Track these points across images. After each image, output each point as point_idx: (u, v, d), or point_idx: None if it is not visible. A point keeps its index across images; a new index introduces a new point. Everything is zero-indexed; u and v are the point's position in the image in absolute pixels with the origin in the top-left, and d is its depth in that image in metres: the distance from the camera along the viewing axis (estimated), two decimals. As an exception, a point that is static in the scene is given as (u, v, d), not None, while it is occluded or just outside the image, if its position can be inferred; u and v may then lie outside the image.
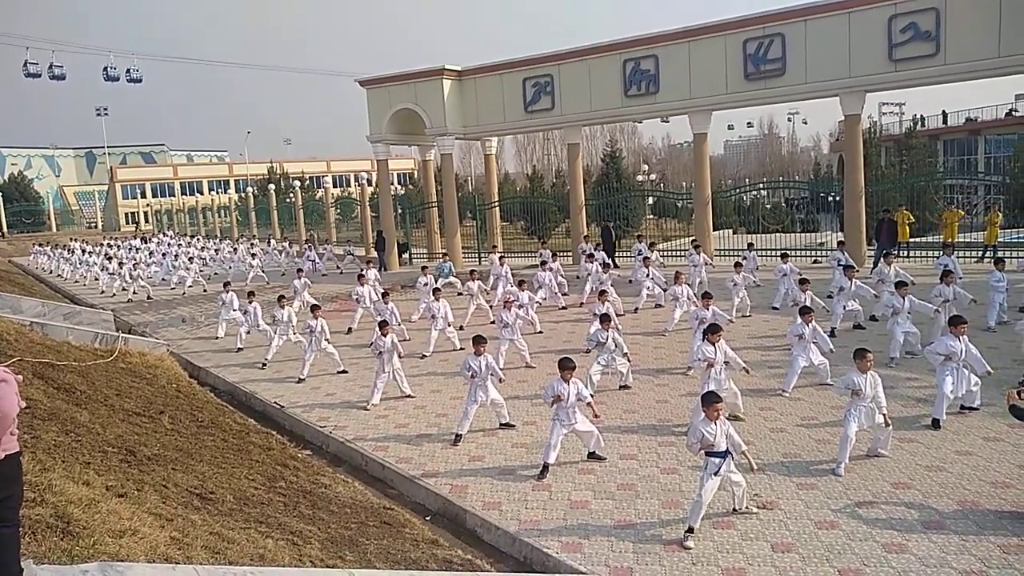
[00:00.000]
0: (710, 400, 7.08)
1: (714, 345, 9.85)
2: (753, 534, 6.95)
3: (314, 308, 14.72)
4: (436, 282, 19.67)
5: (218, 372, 15.17)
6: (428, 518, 8.29)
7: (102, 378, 11.70)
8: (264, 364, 15.24)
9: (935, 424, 9.38)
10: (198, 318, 21.76)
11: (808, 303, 13.25)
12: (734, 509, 7.36)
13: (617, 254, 27.84)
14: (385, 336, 12.01)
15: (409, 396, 12.27)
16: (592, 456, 9.03)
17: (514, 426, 10.44)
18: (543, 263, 20.93)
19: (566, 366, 8.69)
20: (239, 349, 16.93)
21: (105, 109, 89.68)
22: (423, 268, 21.03)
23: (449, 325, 15.55)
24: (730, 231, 36.42)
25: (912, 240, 25.20)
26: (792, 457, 8.74)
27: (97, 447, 7.79)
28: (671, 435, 9.75)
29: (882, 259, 16.34)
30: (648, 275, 18.79)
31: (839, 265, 18.89)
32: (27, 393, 8.62)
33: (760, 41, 23.19)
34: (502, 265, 21.24)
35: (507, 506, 7.99)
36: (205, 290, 27.01)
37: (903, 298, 12.38)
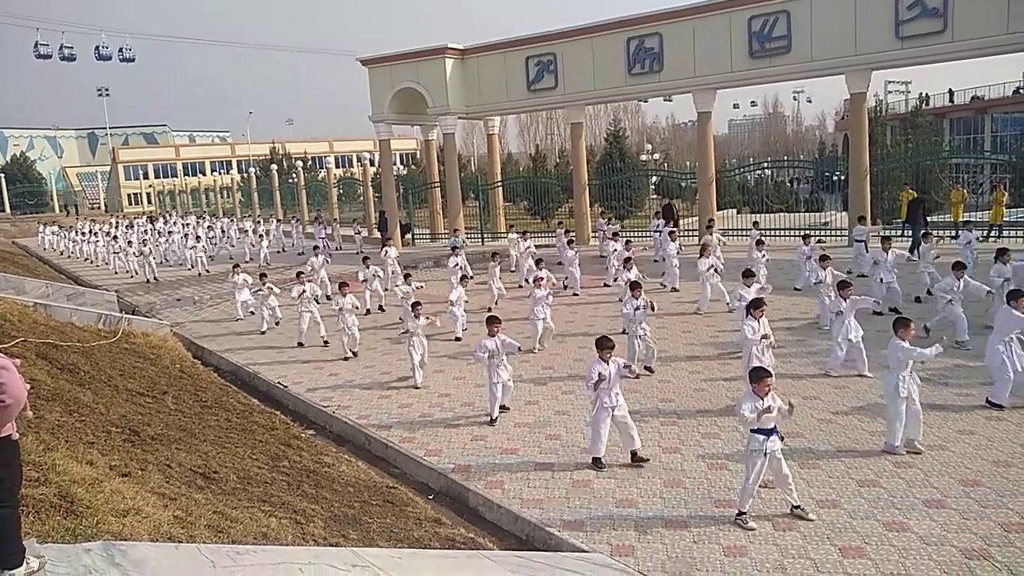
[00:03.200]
0: (759, 375, 6.85)
1: (758, 320, 9.84)
2: (755, 513, 6.95)
3: (342, 286, 14.39)
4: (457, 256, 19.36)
5: (222, 352, 15.20)
6: (431, 497, 8.33)
7: (105, 359, 11.73)
8: (300, 344, 15.20)
9: (995, 406, 9.13)
10: (204, 299, 21.79)
11: (830, 280, 12.95)
12: (791, 510, 6.92)
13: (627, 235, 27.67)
14: (418, 318, 11.96)
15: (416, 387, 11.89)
16: (635, 459, 8.31)
17: (508, 408, 10.31)
18: (570, 243, 20.61)
19: (605, 345, 8.31)
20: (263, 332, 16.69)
21: (107, 89, 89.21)
22: (453, 248, 20.57)
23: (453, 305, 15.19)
24: (734, 211, 36.30)
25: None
26: (794, 436, 8.73)
27: (100, 427, 7.82)
28: (673, 415, 9.76)
29: (923, 240, 15.95)
30: (677, 251, 18.66)
31: (857, 241, 18.75)
32: (31, 374, 8.65)
33: (765, 18, 22.96)
34: (525, 241, 21.07)
35: (509, 485, 8.02)
36: (208, 271, 26.93)
37: (959, 280, 11.97)
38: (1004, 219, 22.57)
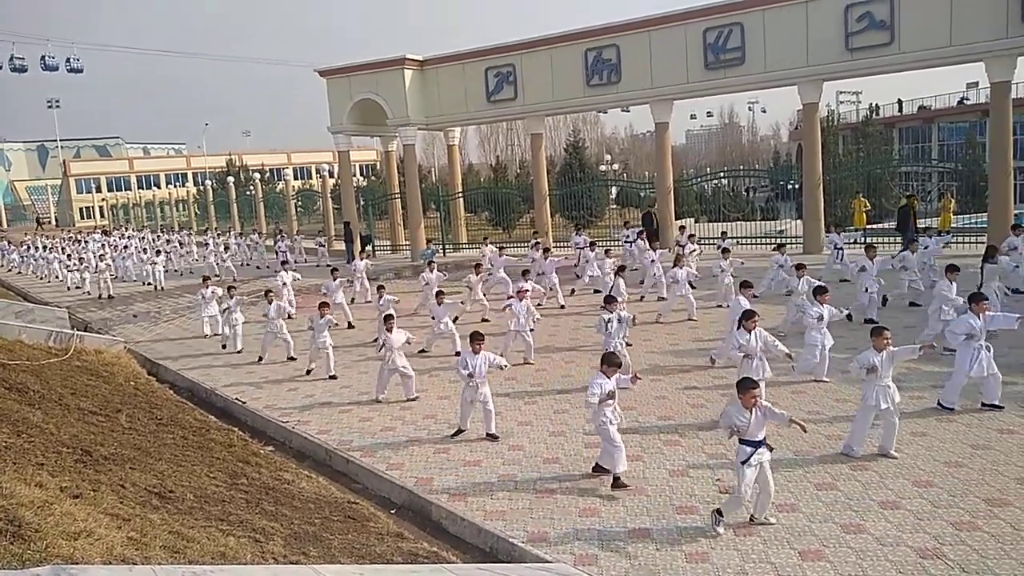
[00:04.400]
0: (745, 386, 6.74)
1: (750, 332, 9.34)
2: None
3: (322, 306, 13.77)
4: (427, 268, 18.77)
5: (177, 369, 14.89)
6: (393, 511, 8.24)
7: (56, 377, 11.42)
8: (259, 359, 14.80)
9: (946, 409, 9.32)
10: (160, 314, 21.34)
11: (805, 288, 12.90)
12: (751, 518, 6.92)
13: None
14: (391, 332, 11.41)
15: (413, 400, 11.55)
16: (598, 468, 8.22)
17: (498, 438, 9.58)
18: (546, 251, 20.41)
19: (612, 362, 8.04)
20: (239, 351, 15.90)
21: (57, 101, 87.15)
22: (430, 264, 19.57)
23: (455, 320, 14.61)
24: (692, 220, 36.78)
25: (869, 227, 25.71)
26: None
27: (51, 447, 7.60)
28: (635, 423, 9.81)
29: (908, 247, 15.99)
30: (653, 259, 18.48)
31: (836, 248, 18.85)
32: (-24, 394, 8.39)
33: (720, 30, 23.41)
34: (501, 256, 20.69)
35: (473, 497, 7.98)
36: (164, 287, 26.28)
37: (951, 283, 11.93)
38: (952, 225, 23.26)
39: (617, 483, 7.90)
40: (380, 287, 15.98)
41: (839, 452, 8.33)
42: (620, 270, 15.15)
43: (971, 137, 48.88)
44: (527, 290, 13.97)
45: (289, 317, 18.13)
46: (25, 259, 37.18)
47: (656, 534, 6.89)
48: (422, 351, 14.45)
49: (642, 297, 18.19)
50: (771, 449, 6.84)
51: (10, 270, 38.28)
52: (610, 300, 11.70)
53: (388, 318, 11.84)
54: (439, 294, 14.84)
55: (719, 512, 6.77)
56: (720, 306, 16.44)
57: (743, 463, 6.63)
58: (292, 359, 14.57)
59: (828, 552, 6.33)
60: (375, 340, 12.01)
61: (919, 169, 38.51)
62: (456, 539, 7.45)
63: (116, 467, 7.58)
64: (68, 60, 51.33)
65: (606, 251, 19.62)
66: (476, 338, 9.82)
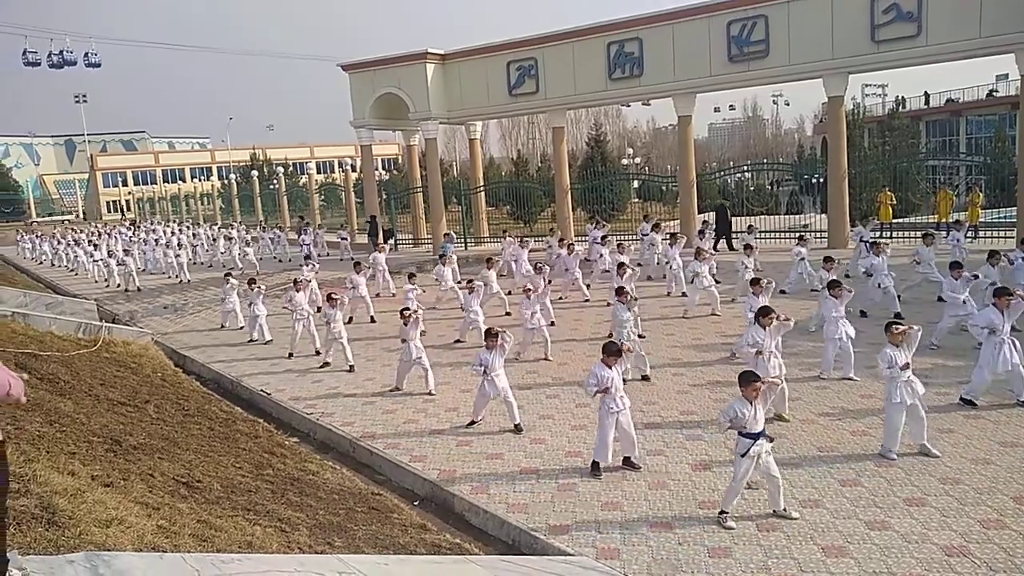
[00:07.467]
0: (748, 379, 6.84)
1: (765, 329, 9.13)
2: (738, 514, 7.01)
3: (329, 297, 13.85)
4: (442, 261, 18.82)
5: (204, 360, 15.08)
6: (416, 503, 8.32)
7: (86, 368, 11.61)
8: (290, 354, 14.73)
9: (968, 404, 9.23)
10: (186, 306, 21.60)
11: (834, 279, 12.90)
12: (773, 512, 6.97)
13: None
14: (407, 325, 11.56)
15: (430, 394, 11.57)
16: (627, 463, 8.28)
17: (522, 429, 9.67)
18: (570, 247, 20.35)
19: (611, 351, 8.14)
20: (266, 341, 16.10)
21: (84, 96, 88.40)
22: (442, 258, 19.61)
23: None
24: (714, 213, 36.50)
25: (895, 221, 25.40)
26: (777, 437, 8.79)
27: (82, 437, 7.75)
28: (657, 417, 9.81)
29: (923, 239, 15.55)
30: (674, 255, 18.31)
31: (861, 241, 18.37)
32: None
33: (744, 23, 23.18)
34: (523, 248, 20.72)
35: (495, 490, 8.03)
36: (190, 280, 26.57)
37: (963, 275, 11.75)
38: (980, 220, 22.94)
39: (595, 470, 8.15)
40: (411, 275, 15.83)
41: (876, 453, 8.13)
42: (620, 267, 14.72)
43: (1000, 130, 47.98)
44: (531, 288, 13.86)
45: (318, 310, 18.24)
46: (56, 252, 37.70)
47: (679, 528, 6.89)
48: (457, 341, 14.60)
49: (669, 293, 18.08)
50: (771, 440, 6.95)
51: (40, 263, 38.86)
52: (620, 291, 11.70)
53: (405, 311, 11.91)
54: (469, 283, 14.87)
55: (722, 512, 6.94)
56: (734, 300, 16.38)
57: (743, 455, 6.75)
58: (318, 353, 14.64)
59: (852, 548, 6.30)
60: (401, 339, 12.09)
61: (947, 163, 37.92)
62: (479, 531, 7.51)
63: (145, 457, 7.71)
64: (86, 55, 51.89)
65: (619, 245, 19.17)
66: (490, 335, 9.88)
